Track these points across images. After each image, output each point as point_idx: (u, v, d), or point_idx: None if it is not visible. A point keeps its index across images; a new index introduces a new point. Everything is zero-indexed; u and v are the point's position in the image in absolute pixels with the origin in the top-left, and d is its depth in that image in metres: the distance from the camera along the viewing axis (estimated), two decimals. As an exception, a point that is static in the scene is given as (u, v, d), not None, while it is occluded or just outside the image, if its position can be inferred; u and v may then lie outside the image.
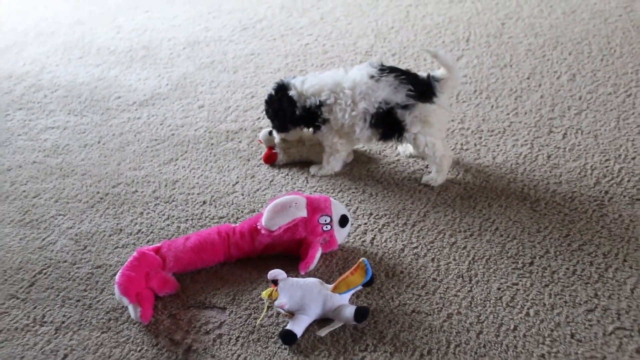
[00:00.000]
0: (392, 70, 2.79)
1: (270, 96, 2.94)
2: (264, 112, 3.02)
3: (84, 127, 3.46)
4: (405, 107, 2.74)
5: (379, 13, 4.42)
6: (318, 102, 2.83)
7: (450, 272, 2.44)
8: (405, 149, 3.04)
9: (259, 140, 3.10)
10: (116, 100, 3.68)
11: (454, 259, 2.50)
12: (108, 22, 4.61)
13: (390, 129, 2.81)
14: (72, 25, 4.61)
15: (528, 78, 3.57)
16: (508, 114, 3.29)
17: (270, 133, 3.04)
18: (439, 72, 2.75)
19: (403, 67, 2.95)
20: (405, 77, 2.76)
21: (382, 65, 2.81)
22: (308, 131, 2.99)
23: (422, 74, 2.80)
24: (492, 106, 3.36)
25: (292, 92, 2.87)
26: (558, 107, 3.31)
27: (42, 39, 4.44)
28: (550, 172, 2.90)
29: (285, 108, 2.89)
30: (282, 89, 2.90)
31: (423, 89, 2.75)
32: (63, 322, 2.37)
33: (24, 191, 3.04)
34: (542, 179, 2.87)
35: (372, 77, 2.77)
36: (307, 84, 2.86)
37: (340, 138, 2.90)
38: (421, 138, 2.79)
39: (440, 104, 2.77)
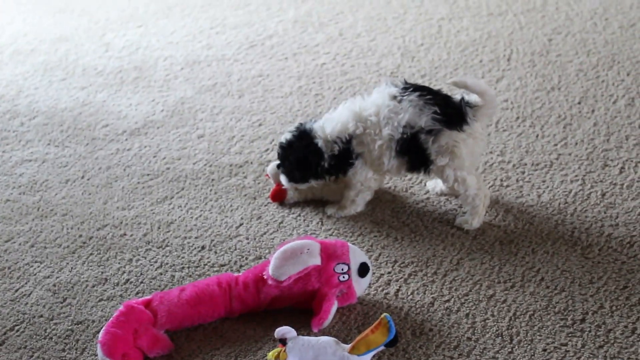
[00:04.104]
0: (417, 88, 2.79)
1: (289, 142, 2.95)
2: (279, 159, 3.01)
3: (66, 159, 3.48)
4: (429, 132, 2.74)
5: (407, 28, 4.44)
6: (347, 137, 2.84)
7: (487, 330, 2.43)
8: (435, 185, 3.03)
9: (266, 175, 3.11)
10: (103, 129, 3.69)
11: (492, 315, 2.48)
12: (95, 39, 4.65)
13: (417, 158, 2.81)
14: (55, 42, 4.64)
15: (579, 103, 3.57)
16: (556, 145, 3.28)
17: (279, 166, 3.04)
18: (474, 97, 2.75)
19: (446, 88, 2.94)
20: (432, 97, 2.77)
21: (406, 83, 2.82)
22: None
23: (456, 96, 2.80)
24: (537, 135, 3.35)
25: (319, 142, 2.89)
26: (614, 137, 3.30)
27: (20, 58, 4.48)
28: (605, 212, 2.89)
29: (310, 159, 2.91)
30: (305, 136, 2.92)
31: (452, 114, 2.75)
32: (37, 388, 2.38)
33: (-4, 234, 3.06)
34: (596, 220, 2.85)
35: (394, 97, 2.78)
36: (328, 127, 2.88)
37: (374, 172, 2.90)
38: (449, 172, 2.79)
39: (472, 132, 2.76)
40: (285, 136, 2.97)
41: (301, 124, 2.97)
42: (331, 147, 2.87)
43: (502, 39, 4.22)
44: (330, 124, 2.89)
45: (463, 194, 2.83)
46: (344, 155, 2.88)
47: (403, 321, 2.48)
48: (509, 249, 2.76)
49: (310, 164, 2.92)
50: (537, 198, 2.99)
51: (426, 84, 3.74)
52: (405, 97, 2.77)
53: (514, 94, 3.68)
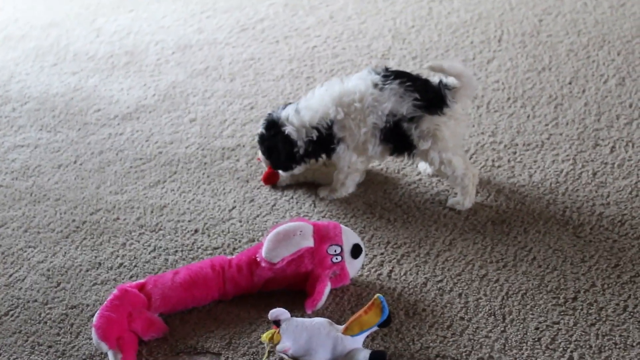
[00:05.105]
0: (398, 75, 2.80)
1: (262, 135, 2.97)
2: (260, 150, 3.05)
3: (58, 144, 3.47)
4: (411, 119, 2.75)
5: (397, 10, 4.43)
6: (329, 123, 2.84)
7: (480, 309, 2.44)
8: (426, 166, 3.03)
9: (258, 158, 3.11)
10: (95, 114, 3.69)
11: (485, 294, 2.49)
12: (86, 24, 4.64)
13: (401, 144, 2.83)
14: (46, 27, 4.63)
15: (570, 83, 3.57)
16: (547, 125, 3.28)
17: None
18: (451, 79, 2.75)
19: (425, 72, 2.94)
20: (412, 83, 2.77)
21: (387, 70, 2.83)
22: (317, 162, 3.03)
23: (435, 79, 2.80)
24: (529, 116, 3.35)
25: (288, 129, 2.89)
26: (605, 117, 3.31)
27: (11, 44, 4.47)
28: (597, 191, 2.90)
29: (281, 148, 2.92)
30: (273, 125, 2.93)
31: (432, 98, 2.75)
32: (32, 372, 2.38)
33: (-11, 220, 3.06)
34: (587, 200, 2.86)
35: (375, 85, 2.78)
36: (306, 113, 2.88)
37: (359, 156, 2.90)
38: (434, 155, 2.80)
39: (452, 114, 2.77)
40: (260, 127, 2.99)
41: (270, 114, 2.98)
42: (307, 133, 2.88)
43: (493, 20, 4.21)
44: (308, 112, 2.88)
45: (451, 176, 2.83)
46: (325, 140, 2.88)
47: (396, 301, 2.49)
48: (501, 228, 2.76)
49: (281, 152, 2.93)
50: (529, 178, 2.99)
51: (417, 66, 3.76)
52: (387, 86, 2.77)
53: (505, 74, 3.68)
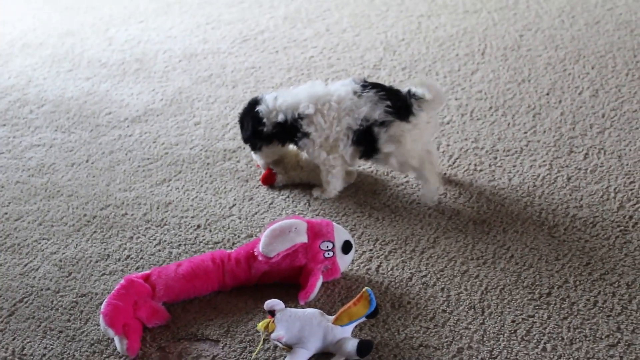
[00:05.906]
0: (374, 86, 2.84)
1: (243, 109, 3.04)
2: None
3: (72, 144, 3.47)
4: (382, 124, 2.78)
5: (389, 24, 4.43)
6: (296, 115, 2.86)
7: (461, 302, 2.43)
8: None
9: (257, 166, 3.12)
10: (107, 117, 3.68)
11: (466, 289, 2.49)
12: (100, 33, 4.63)
13: (370, 148, 2.85)
14: (62, 36, 4.62)
15: (547, 94, 3.57)
16: (525, 133, 3.28)
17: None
18: (420, 90, 2.79)
19: (414, 81, 2.94)
20: (385, 93, 2.81)
21: (365, 82, 2.87)
22: (293, 149, 3.06)
23: (404, 89, 2.83)
24: (509, 124, 3.35)
25: (260, 107, 2.92)
26: (579, 125, 3.30)
27: (29, 51, 4.46)
28: (570, 195, 2.89)
29: (248, 122, 2.97)
30: (253, 102, 2.99)
31: (401, 106, 2.79)
32: (44, 355, 2.37)
33: (6, 213, 3.04)
34: (562, 202, 2.86)
35: (355, 93, 2.83)
36: (280, 99, 2.92)
37: (330, 153, 2.90)
38: (393, 160, 2.85)
39: (417, 123, 2.79)
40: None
41: (258, 95, 3.03)
42: (275, 115, 2.90)
43: (477, 34, 4.21)
44: (283, 97, 2.92)
45: (410, 173, 2.94)
46: (289, 127, 2.90)
47: (383, 294, 2.49)
48: (481, 228, 2.76)
49: (248, 126, 2.97)
50: (508, 182, 2.99)
51: (407, 76, 3.76)
52: (364, 94, 2.81)
53: (488, 85, 3.68)
